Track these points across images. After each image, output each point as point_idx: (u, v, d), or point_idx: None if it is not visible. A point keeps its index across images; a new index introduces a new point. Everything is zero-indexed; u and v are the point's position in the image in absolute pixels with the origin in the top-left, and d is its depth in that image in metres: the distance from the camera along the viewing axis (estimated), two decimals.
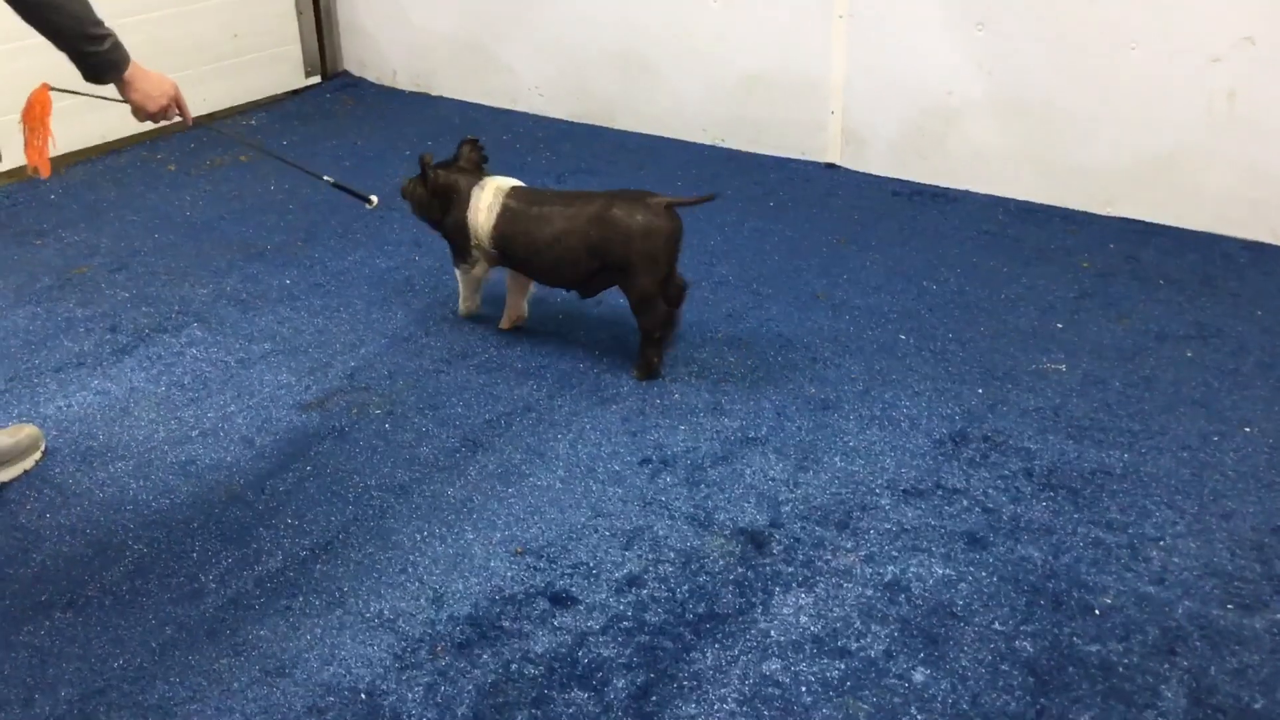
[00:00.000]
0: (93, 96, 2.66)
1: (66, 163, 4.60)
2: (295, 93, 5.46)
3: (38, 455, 2.80)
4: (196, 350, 3.27)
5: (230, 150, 4.71)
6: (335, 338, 3.33)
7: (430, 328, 3.37)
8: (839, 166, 4.47)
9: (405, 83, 5.54)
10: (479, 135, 4.84)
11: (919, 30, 4.12)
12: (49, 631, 2.27)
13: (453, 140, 4.82)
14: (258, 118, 5.18)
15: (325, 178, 3.19)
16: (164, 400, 3.04)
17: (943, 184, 4.27)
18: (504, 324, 3.36)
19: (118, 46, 2.48)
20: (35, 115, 2.66)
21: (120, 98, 2.60)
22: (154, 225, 4.09)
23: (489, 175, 3.26)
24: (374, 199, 3.17)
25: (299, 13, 5.41)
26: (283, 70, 5.40)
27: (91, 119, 4.66)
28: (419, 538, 2.52)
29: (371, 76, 5.64)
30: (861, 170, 4.43)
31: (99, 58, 2.45)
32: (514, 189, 3.19)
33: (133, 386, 3.10)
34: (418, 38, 5.40)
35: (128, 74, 2.52)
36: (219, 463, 2.78)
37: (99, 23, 2.44)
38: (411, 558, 2.46)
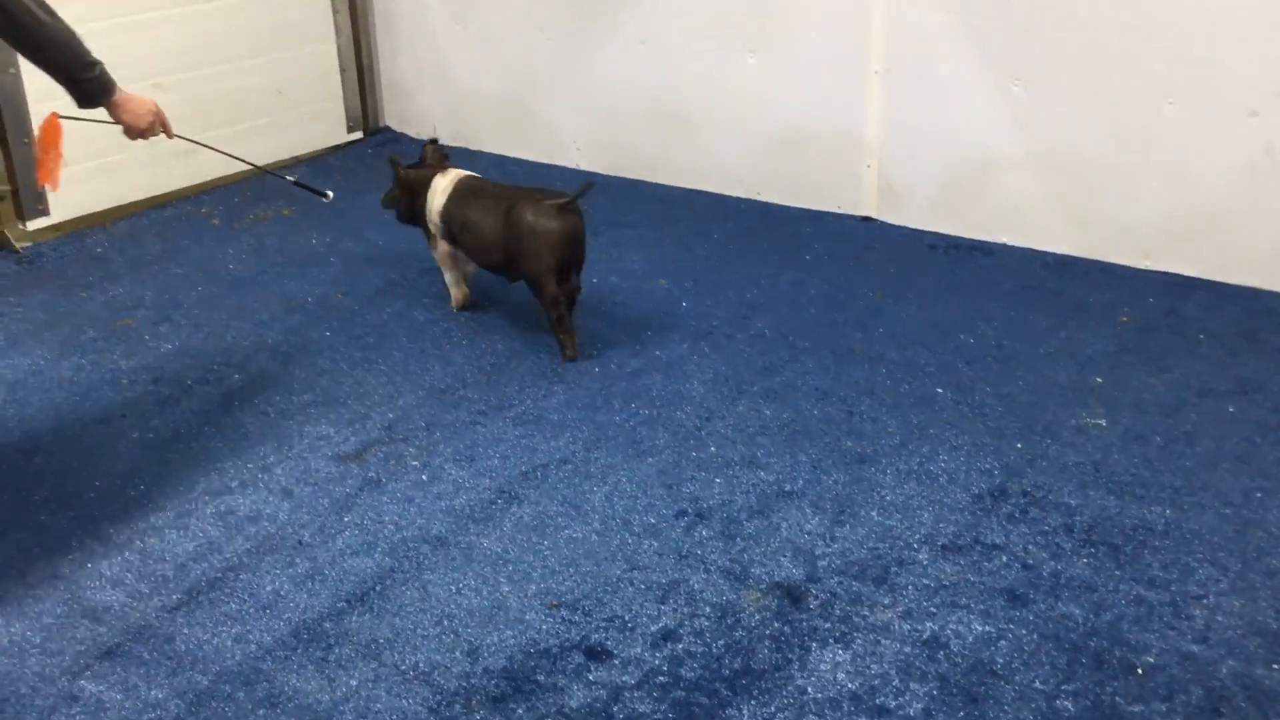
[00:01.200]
0: (94, 121, 2.97)
1: (113, 217, 4.69)
2: (337, 148, 5.55)
3: None
4: (238, 402, 3.30)
5: (273, 204, 4.79)
6: (373, 389, 3.36)
7: (467, 380, 3.39)
8: (875, 220, 4.48)
9: (446, 138, 5.61)
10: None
11: (955, 85, 4.14)
12: (90, 680, 2.29)
13: None
14: (299, 171, 5.25)
15: (288, 177, 3.67)
16: (204, 451, 3.07)
17: (980, 237, 4.26)
18: (455, 306, 3.85)
19: (105, 73, 2.82)
20: (50, 139, 3.03)
21: (111, 120, 2.93)
22: (197, 278, 4.15)
23: (452, 169, 3.77)
24: (330, 194, 3.60)
25: (342, 70, 5.51)
26: (325, 126, 5.48)
27: (138, 174, 4.76)
28: (454, 590, 2.52)
29: (412, 132, 5.72)
30: (898, 224, 4.43)
31: (92, 84, 2.80)
32: (466, 177, 3.71)
33: (174, 437, 3.13)
34: (459, 95, 5.48)
35: (117, 97, 2.86)
36: (257, 513, 2.80)
37: (89, 53, 2.79)
38: (447, 610, 2.46)
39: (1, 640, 2.41)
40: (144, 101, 2.94)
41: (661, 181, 4.96)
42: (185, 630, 2.42)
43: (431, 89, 5.56)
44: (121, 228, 4.63)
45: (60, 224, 4.58)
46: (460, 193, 3.62)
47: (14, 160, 4.37)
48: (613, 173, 5.09)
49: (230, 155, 3.61)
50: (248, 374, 3.46)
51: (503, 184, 3.69)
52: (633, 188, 4.94)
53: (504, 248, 3.46)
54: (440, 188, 3.67)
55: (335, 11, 5.41)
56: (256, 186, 4.91)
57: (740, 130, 4.69)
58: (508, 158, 5.37)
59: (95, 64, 2.78)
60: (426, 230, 3.76)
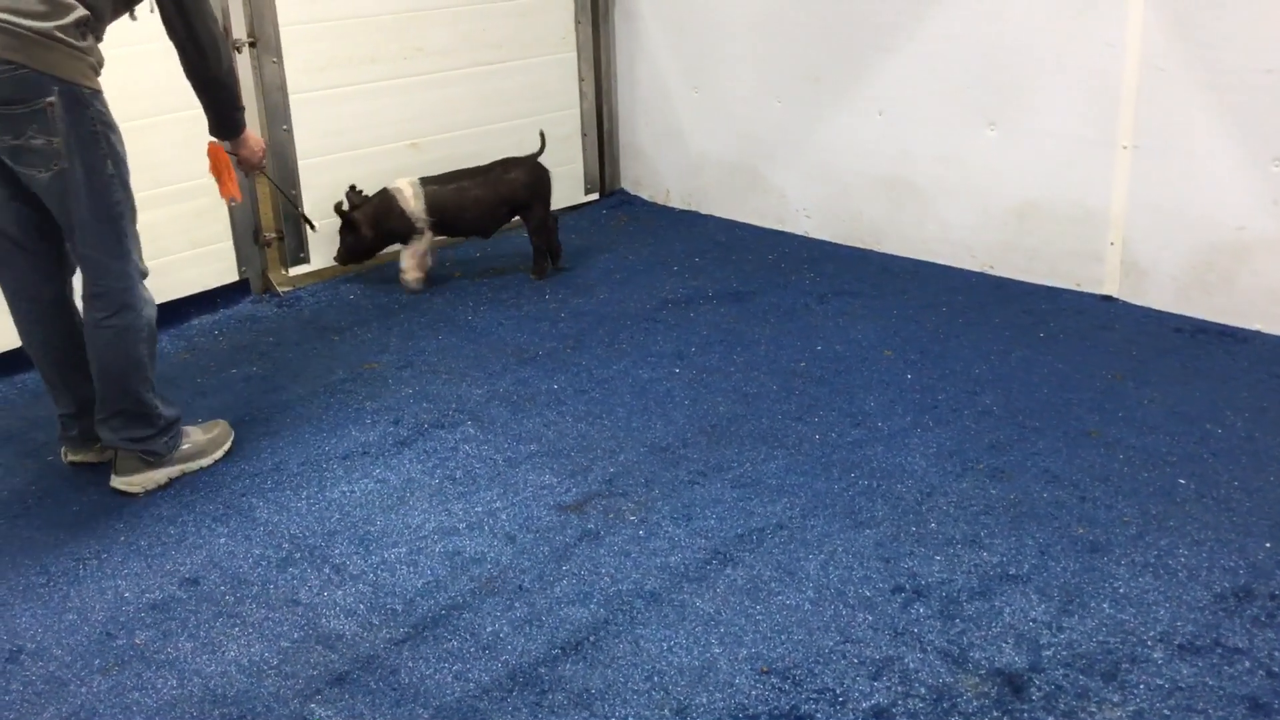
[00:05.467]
0: (234, 154, 3.57)
1: (366, 266, 4.99)
2: (574, 208, 5.74)
3: (227, 445, 3.41)
4: (469, 447, 3.44)
5: (510, 260, 4.99)
6: (596, 443, 3.44)
7: (688, 439, 3.43)
8: (1116, 299, 4.31)
9: (677, 201, 5.74)
10: (745, 254, 4.98)
11: (1209, 164, 3.96)
12: (320, 704, 2.41)
13: (718, 256, 4.97)
14: None
15: (302, 211, 4.59)
16: (437, 492, 3.21)
17: (1232, 323, 4.04)
18: (417, 282, 4.71)
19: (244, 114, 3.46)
20: (222, 162, 3.57)
21: (231, 150, 3.54)
22: (438, 327, 4.36)
23: (385, 186, 4.60)
24: (316, 227, 4.61)
25: (583, 134, 5.73)
26: (564, 187, 5.66)
27: None
28: (666, 647, 2.54)
29: (645, 195, 5.88)
30: (1141, 304, 4.25)
31: (237, 122, 3.39)
32: (422, 179, 4.61)
33: (410, 477, 3.29)
34: (692, 160, 5.60)
35: (244, 134, 3.45)
36: (481, 555, 2.90)
37: (241, 96, 3.44)
38: (658, 666, 2.48)
39: (242, 659, 2.57)
40: (258, 139, 3.54)
41: (890, 251, 4.92)
42: (410, 664, 2.52)
43: (666, 153, 5.71)
44: (373, 276, 4.92)
45: (319, 270, 4.90)
46: (435, 189, 4.56)
47: (283, 210, 4.73)
48: (841, 241, 5.08)
49: (280, 189, 4.46)
50: (479, 421, 3.60)
51: (459, 170, 4.69)
52: (860, 256, 4.92)
53: (505, 206, 4.62)
54: (410, 196, 4.53)
55: (581, 79, 5.63)
56: (494, 244, 5.13)
57: (974, 202, 4.61)
58: (736, 222, 5.44)
59: (243, 107, 3.41)
60: (406, 234, 4.58)
